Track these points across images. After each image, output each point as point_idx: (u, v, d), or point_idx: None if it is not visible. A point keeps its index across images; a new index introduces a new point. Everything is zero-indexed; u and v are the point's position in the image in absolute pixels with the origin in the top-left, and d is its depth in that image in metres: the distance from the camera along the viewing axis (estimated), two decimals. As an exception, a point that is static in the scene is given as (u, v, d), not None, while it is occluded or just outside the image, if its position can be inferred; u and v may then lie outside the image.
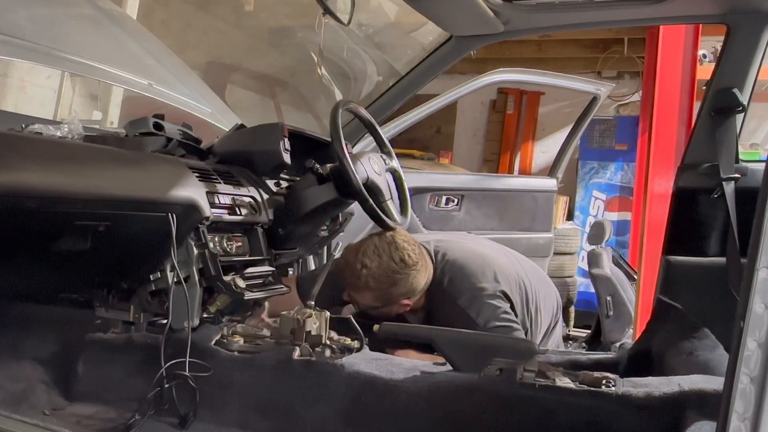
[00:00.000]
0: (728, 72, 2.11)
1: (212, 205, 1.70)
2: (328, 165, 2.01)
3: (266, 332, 1.83)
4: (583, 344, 3.04)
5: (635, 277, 3.30)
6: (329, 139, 2.00)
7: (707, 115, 2.13)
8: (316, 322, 1.74)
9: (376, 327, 1.79)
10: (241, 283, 1.74)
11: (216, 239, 1.74)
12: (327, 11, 2.18)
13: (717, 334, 1.81)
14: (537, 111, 6.44)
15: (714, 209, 2.07)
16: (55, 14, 2.39)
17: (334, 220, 2.29)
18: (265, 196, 1.95)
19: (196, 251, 1.69)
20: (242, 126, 2.11)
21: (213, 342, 1.77)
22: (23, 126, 1.73)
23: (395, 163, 2.31)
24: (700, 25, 3.28)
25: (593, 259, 3.07)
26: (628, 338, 2.85)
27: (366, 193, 1.97)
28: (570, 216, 5.88)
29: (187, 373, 1.63)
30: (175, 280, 1.66)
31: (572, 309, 4.44)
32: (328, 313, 1.76)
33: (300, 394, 1.68)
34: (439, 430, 1.59)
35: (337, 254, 2.12)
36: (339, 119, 2.00)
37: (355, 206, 2.16)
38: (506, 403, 1.55)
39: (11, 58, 2.64)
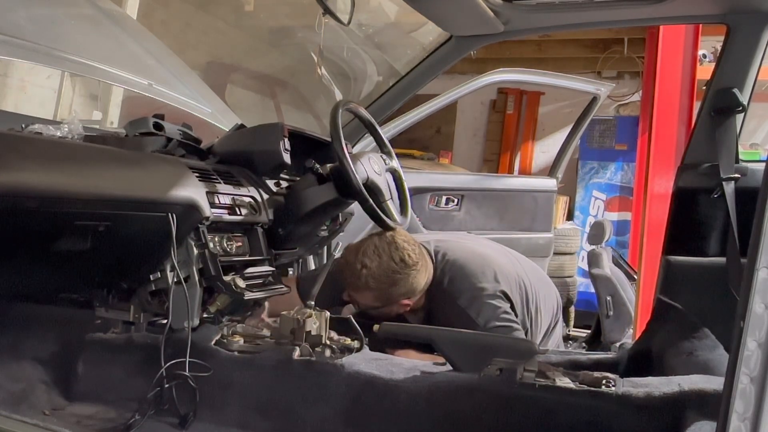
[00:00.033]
0: (728, 72, 2.11)
1: (212, 205, 1.70)
2: (328, 165, 2.01)
3: (266, 332, 1.83)
4: (583, 344, 3.04)
5: (635, 277, 3.30)
6: (329, 139, 2.00)
7: (707, 115, 2.13)
8: (316, 322, 1.74)
9: (376, 327, 1.79)
10: (241, 283, 1.74)
11: (216, 239, 1.74)
12: (327, 11, 2.18)
13: (717, 334, 1.81)
14: (537, 111, 6.44)
15: (714, 209, 2.07)
16: (55, 14, 2.39)
17: (334, 220, 2.29)
18: (265, 196, 1.95)
19: (196, 251, 1.69)
20: (242, 126, 2.11)
21: (213, 342, 1.77)
22: (23, 126, 1.73)
23: (395, 163, 2.31)
24: (700, 25, 3.28)
25: (593, 259, 3.07)
26: (628, 338, 2.85)
27: (366, 193, 1.97)
28: (570, 216, 5.88)
29: (187, 373, 1.63)
30: (175, 280, 1.66)
31: (572, 309, 4.44)
32: (328, 313, 1.76)
33: (300, 394, 1.68)
34: (439, 430, 1.59)
35: (337, 254, 2.12)
36: (339, 119, 2.00)
37: (355, 206, 2.16)
38: (506, 403, 1.55)
39: (11, 58, 2.64)
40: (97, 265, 1.66)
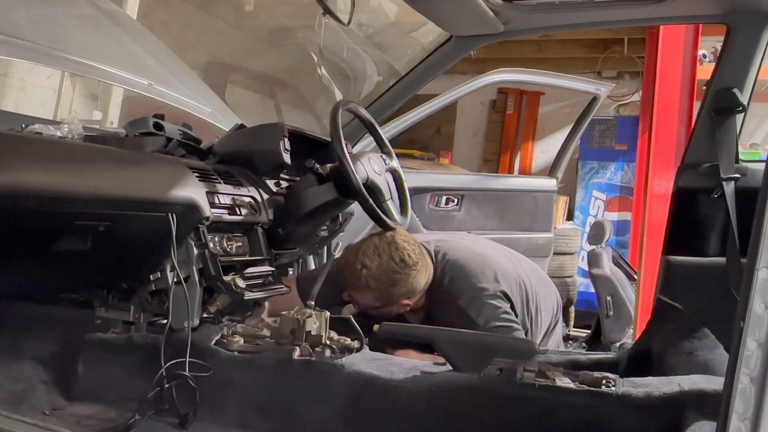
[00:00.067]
0: (728, 72, 2.11)
1: (212, 205, 1.70)
2: (328, 165, 2.01)
3: (266, 332, 1.83)
4: (583, 344, 3.04)
5: (635, 277, 3.30)
6: (329, 139, 2.00)
7: (707, 115, 2.13)
8: (316, 322, 1.74)
9: (376, 327, 1.79)
10: (241, 283, 1.74)
11: (216, 239, 1.74)
12: (327, 11, 2.18)
13: (717, 334, 1.81)
14: (537, 111, 6.44)
15: (714, 209, 2.07)
16: (55, 14, 2.39)
17: (334, 220, 2.29)
18: (265, 196, 1.95)
19: (196, 251, 1.69)
20: (242, 126, 2.11)
21: (213, 342, 1.77)
22: (23, 126, 1.73)
23: (395, 163, 2.31)
24: (700, 25, 3.28)
25: (593, 259, 3.07)
26: (628, 338, 2.85)
27: (366, 193, 1.97)
28: (570, 216, 5.88)
29: (187, 373, 1.63)
30: (175, 280, 1.66)
31: (572, 309, 4.44)
32: (328, 313, 1.76)
33: (300, 394, 1.68)
34: (439, 430, 1.59)
35: (337, 254, 2.12)
36: (339, 119, 2.00)
37: (355, 206, 2.16)
38: (506, 403, 1.55)
39: (11, 58, 2.64)
40: (97, 265, 1.65)
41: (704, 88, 2.21)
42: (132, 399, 1.72)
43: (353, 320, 1.77)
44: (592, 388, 1.50)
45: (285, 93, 5.24)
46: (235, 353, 1.75)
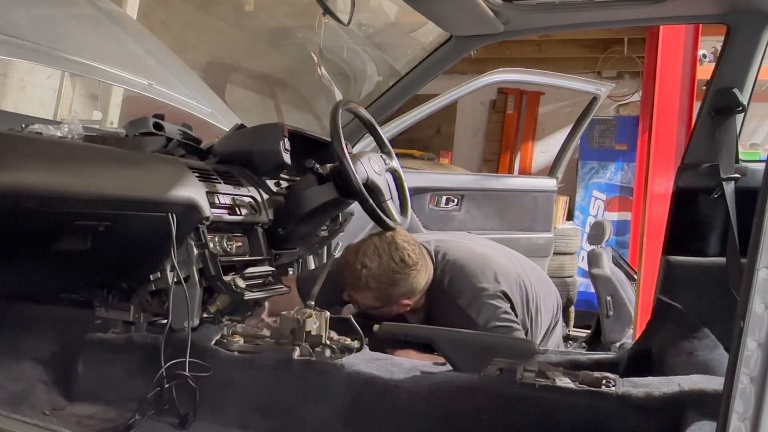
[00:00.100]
0: (728, 72, 2.11)
1: (212, 205, 1.70)
2: (328, 165, 2.01)
3: (266, 332, 1.83)
4: (583, 344, 3.04)
5: (635, 277, 3.30)
6: (329, 139, 2.00)
7: (707, 115, 2.13)
8: (316, 322, 1.74)
9: (376, 327, 1.79)
10: (241, 283, 1.74)
11: (216, 239, 1.74)
12: (327, 11, 2.18)
13: (717, 334, 1.81)
14: (537, 111, 6.44)
15: (714, 209, 2.07)
16: (55, 14, 2.39)
17: (334, 220, 2.29)
18: (265, 196, 1.95)
19: (196, 251, 1.69)
20: (242, 126, 2.11)
21: (213, 342, 1.77)
22: (23, 126, 1.73)
23: (395, 163, 2.31)
24: (700, 25, 3.28)
25: (593, 259, 3.07)
26: (628, 338, 2.85)
27: (366, 193, 1.97)
28: (570, 216, 5.88)
29: (187, 373, 1.63)
30: (175, 280, 1.66)
31: (572, 309, 4.44)
32: (328, 313, 1.76)
33: (300, 394, 1.68)
34: (439, 430, 1.59)
35: (337, 254, 2.12)
36: (339, 119, 2.00)
37: (355, 206, 2.16)
38: (506, 403, 1.55)
39: (11, 58, 2.64)
40: (97, 265, 1.66)
41: (704, 88, 2.21)
42: (132, 399, 1.72)
43: (353, 320, 1.77)
44: (592, 388, 1.50)
45: (285, 93, 5.24)
46: (235, 353, 1.75)
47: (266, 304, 2.05)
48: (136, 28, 3.12)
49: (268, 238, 1.93)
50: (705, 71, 2.97)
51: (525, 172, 6.34)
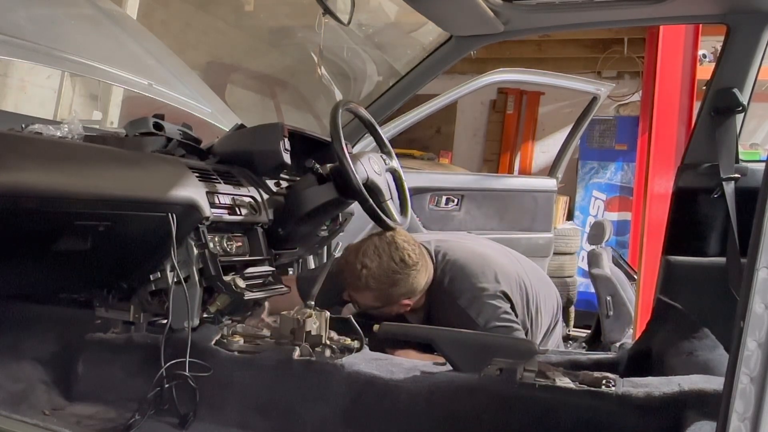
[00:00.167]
0: (728, 72, 2.11)
1: (212, 205, 1.70)
2: (328, 165, 2.01)
3: (266, 332, 1.83)
4: (583, 344, 3.04)
5: (635, 277, 3.30)
6: (329, 139, 2.00)
7: (707, 115, 2.13)
8: (316, 322, 1.74)
9: (376, 327, 1.79)
10: (241, 283, 1.74)
11: (216, 239, 1.74)
12: (327, 11, 2.18)
13: (717, 334, 1.81)
14: (537, 111, 6.44)
15: (714, 209, 2.07)
16: (55, 14, 2.39)
17: (334, 220, 2.29)
18: (265, 196, 1.95)
19: (196, 251, 1.69)
20: (242, 126, 2.11)
21: (213, 342, 1.77)
22: (23, 126, 1.73)
23: (395, 163, 2.31)
24: (700, 25, 3.28)
25: (593, 259, 3.07)
26: (628, 338, 2.85)
27: (366, 193, 1.97)
28: (570, 216, 5.88)
29: (187, 373, 1.63)
30: (175, 280, 1.66)
31: (572, 309, 4.44)
32: (328, 313, 1.76)
33: (300, 394, 1.68)
34: (439, 430, 1.59)
35: (337, 254, 2.12)
36: (339, 119, 2.00)
37: (355, 206, 2.16)
38: (506, 403, 1.55)
39: (11, 58, 2.64)
40: (97, 265, 1.66)
41: (704, 88, 2.21)
42: (132, 399, 1.72)
43: (353, 320, 1.77)
44: (592, 388, 1.50)
45: (285, 93, 5.24)
46: (235, 353, 1.75)
47: (266, 304, 2.05)
48: (136, 28, 3.12)
49: (268, 238, 1.93)
50: (705, 71, 2.97)
51: (525, 172, 6.34)
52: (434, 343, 1.76)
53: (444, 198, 3.51)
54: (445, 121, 6.38)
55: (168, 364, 1.62)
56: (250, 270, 1.83)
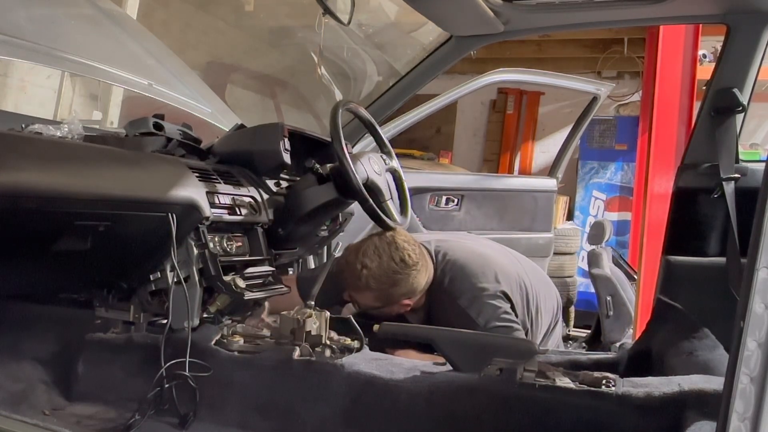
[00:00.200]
0: (728, 72, 2.11)
1: (212, 205, 1.70)
2: (328, 165, 2.01)
3: (266, 332, 1.83)
4: (583, 344, 3.04)
5: (635, 277, 3.30)
6: (329, 139, 2.00)
7: (707, 115, 2.13)
8: (316, 322, 1.74)
9: (376, 327, 1.79)
10: (241, 283, 1.74)
11: (216, 239, 1.74)
12: (327, 11, 2.18)
13: (717, 334, 1.81)
14: (537, 111, 6.44)
15: (714, 209, 2.07)
16: (55, 14, 2.39)
17: (334, 220, 2.29)
18: (265, 196, 1.95)
19: (196, 251, 1.69)
20: (242, 126, 2.11)
21: (213, 342, 1.77)
22: (23, 126, 1.73)
23: (395, 163, 2.31)
24: (700, 25, 3.28)
25: (593, 259, 3.07)
26: (628, 338, 2.85)
27: (366, 193, 1.97)
28: (570, 216, 5.88)
29: (187, 373, 1.63)
30: (175, 280, 1.66)
31: (572, 309, 4.44)
32: (328, 313, 1.76)
33: (300, 394, 1.68)
34: (439, 430, 1.59)
35: (337, 254, 2.12)
36: (339, 119, 2.00)
37: (355, 206, 2.16)
38: (506, 403, 1.55)
39: (11, 58, 2.64)
40: (97, 265, 1.65)
41: (704, 88, 2.21)
42: (132, 399, 1.72)
43: (353, 320, 1.78)
44: (592, 388, 1.50)
45: (285, 93, 5.24)
46: (235, 353, 1.75)
47: (266, 304, 2.05)
48: (136, 28, 3.12)
49: (268, 238, 1.93)
50: (705, 71, 2.97)
51: (525, 172, 6.34)
52: (434, 343, 1.76)
53: (444, 198, 3.50)
54: (445, 121, 6.38)
55: (168, 364, 1.62)
56: (250, 270, 1.83)
